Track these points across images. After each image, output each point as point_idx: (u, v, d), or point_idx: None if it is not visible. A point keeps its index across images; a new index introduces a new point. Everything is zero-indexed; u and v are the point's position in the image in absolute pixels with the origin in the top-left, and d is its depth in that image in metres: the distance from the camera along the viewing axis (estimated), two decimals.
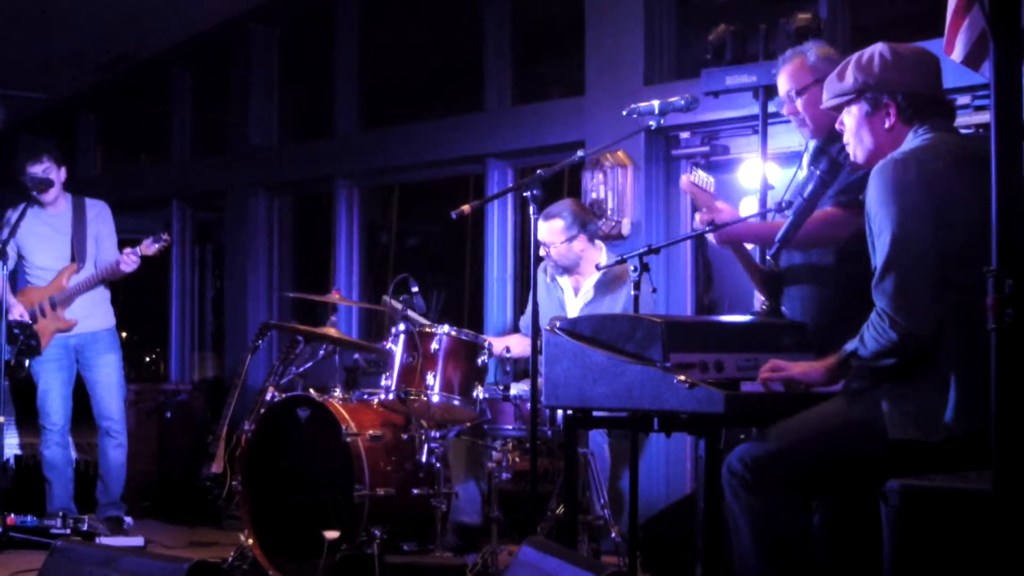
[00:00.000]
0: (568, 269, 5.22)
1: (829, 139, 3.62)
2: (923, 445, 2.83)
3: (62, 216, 5.97)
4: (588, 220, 5.22)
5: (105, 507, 5.89)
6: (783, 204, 3.48)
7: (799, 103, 3.66)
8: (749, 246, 3.79)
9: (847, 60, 3.12)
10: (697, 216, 3.63)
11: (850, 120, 3.11)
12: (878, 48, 3.07)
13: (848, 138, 3.14)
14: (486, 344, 4.80)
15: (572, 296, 5.26)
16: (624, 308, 5.07)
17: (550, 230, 5.13)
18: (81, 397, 6.00)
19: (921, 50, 3.10)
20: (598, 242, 5.32)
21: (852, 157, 3.17)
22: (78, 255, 5.93)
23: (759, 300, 3.78)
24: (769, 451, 3.00)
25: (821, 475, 3.02)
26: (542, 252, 5.17)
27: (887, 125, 3.05)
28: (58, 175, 5.91)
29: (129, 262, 5.69)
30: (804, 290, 3.58)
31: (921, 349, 2.83)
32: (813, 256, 3.56)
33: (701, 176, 3.64)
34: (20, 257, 5.96)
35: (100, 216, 6.03)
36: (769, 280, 3.66)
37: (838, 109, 3.14)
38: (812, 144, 3.69)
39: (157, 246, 5.69)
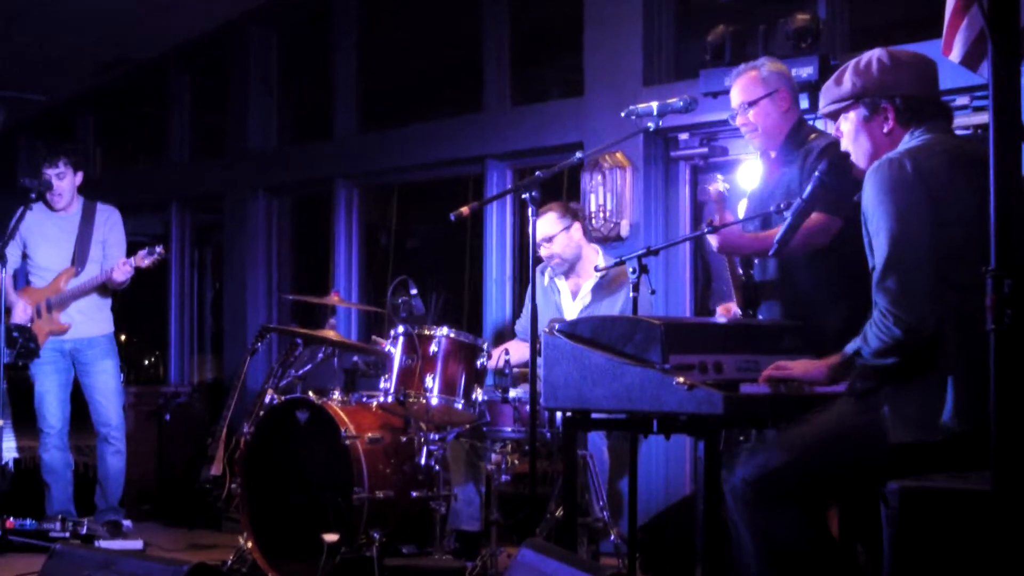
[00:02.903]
0: (572, 266, 5.22)
1: (785, 149, 3.74)
2: (923, 446, 2.82)
3: (71, 219, 5.96)
4: (577, 215, 5.26)
5: (104, 512, 5.88)
6: (781, 206, 3.49)
7: (751, 114, 3.86)
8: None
9: (844, 66, 3.12)
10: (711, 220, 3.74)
11: (848, 125, 3.11)
12: (876, 53, 3.08)
13: (847, 143, 3.14)
14: (485, 347, 4.79)
15: (570, 300, 5.25)
16: (622, 310, 5.06)
17: (547, 222, 5.15)
18: (80, 400, 5.99)
19: (918, 55, 3.11)
20: (594, 244, 5.34)
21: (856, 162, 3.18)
22: (78, 259, 5.91)
23: (727, 311, 3.85)
24: (772, 467, 2.98)
25: (825, 484, 3.01)
26: (545, 251, 5.17)
27: (885, 129, 3.05)
28: (73, 179, 5.92)
29: (123, 271, 5.67)
30: (781, 299, 3.64)
31: (923, 346, 2.83)
32: (788, 265, 3.62)
33: (722, 184, 3.80)
34: (25, 256, 5.96)
35: (109, 221, 6.01)
36: (746, 290, 3.72)
37: (835, 115, 3.14)
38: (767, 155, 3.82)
39: (152, 259, 5.65)
